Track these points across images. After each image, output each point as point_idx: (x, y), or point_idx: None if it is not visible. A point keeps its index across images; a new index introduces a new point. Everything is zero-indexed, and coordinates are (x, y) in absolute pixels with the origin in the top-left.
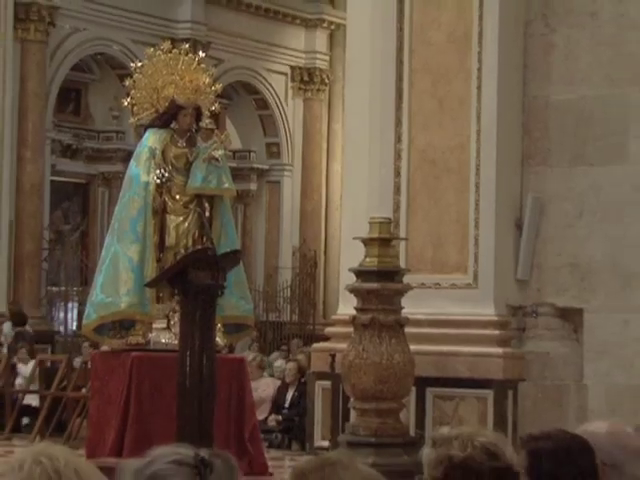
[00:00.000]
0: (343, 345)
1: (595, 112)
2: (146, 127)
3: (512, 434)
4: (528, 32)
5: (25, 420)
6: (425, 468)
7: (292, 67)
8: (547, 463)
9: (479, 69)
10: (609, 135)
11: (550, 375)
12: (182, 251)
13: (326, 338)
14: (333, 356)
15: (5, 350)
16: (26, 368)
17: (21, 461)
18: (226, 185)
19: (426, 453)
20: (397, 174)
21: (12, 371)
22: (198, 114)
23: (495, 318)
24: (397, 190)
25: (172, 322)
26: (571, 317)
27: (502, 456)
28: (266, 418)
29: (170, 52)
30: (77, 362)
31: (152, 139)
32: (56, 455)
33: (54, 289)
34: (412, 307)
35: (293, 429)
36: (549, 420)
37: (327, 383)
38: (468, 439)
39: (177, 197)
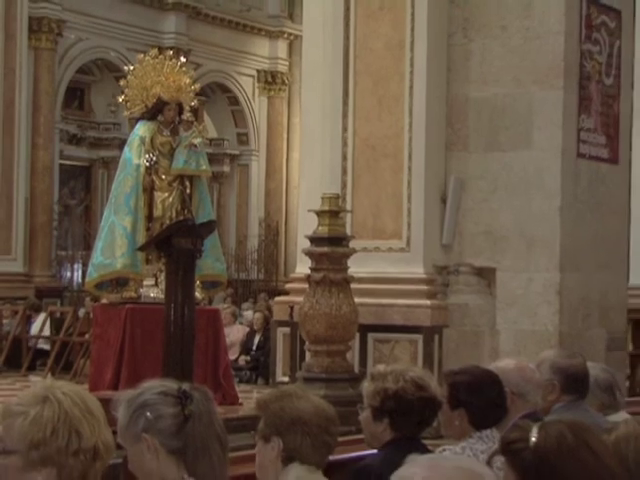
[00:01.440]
0: (300, 298)
1: (505, 107)
2: (137, 119)
3: (437, 371)
4: (450, 42)
5: (38, 361)
6: (365, 398)
7: (258, 71)
8: (464, 393)
9: (411, 72)
10: (517, 126)
11: (469, 322)
12: (167, 221)
13: (286, 293)
14: (292, 307)
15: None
16: (38, 318)
17: (43, 392)
18: (203, 167)
19: (366, 386)
20: (344, 158)
21: (27, 321)
22: (180, 109)
23: (424, 276)
24: (344, 171)
25: (159, 280)
26: (486, 275)
27: (428, 388)
28: (237, 358)
29: (157, 57)
30: (81, 312)
31: (142, 129)
32: (67, 388)
33: (62, 253)
34: (356, 267)
35: (259, 367)
36: (467, 359)
37: (287, 329)
38: (400, 374)
39: (163, 177)
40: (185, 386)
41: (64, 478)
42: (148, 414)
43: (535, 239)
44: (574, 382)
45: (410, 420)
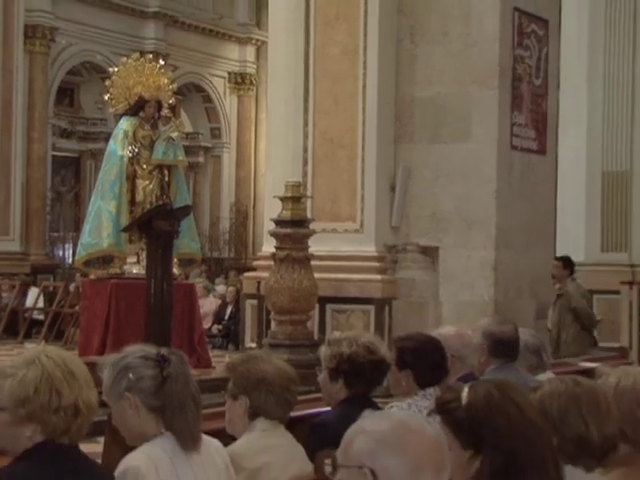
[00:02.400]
0: (266, 274)
1: (447, 104)
2: (121, 115)
3: (387, 337)
4: (399, 47)
5: (33, 330)
6: (323, 361)
7: (229, 72)
8: (410, 356)
9: (364, 74)
10: (457, 121)
11: (415, 295)
12: (148, 206)
13: (254, 269)
14: (259, 282)
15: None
16: (33, 292)
17: (31, 356)
18: (180, 158)
19: (323, 350)
20: (305, 150)
21: (24, 294)
22: (159, 106)
23: (375, 254)
24: (305, 161)
25: (141, 258)
26: (430, 253)
27: (378, 352)
28: (210, 327)
29: (139, 60)
30: (72, 287)
31: (126, 124)
32: (53, 353)
33: (55, 234)
34: (316, 246)
35: (230, 335)
36: (414, 327)
37: (255, 301)
38: (353, 340)
39: (144, 166)
40: (163, 351)
41: (48, 432)
42: (130, 375)
43: (473, 221)
44: (502, 346)
45: (362, 380)
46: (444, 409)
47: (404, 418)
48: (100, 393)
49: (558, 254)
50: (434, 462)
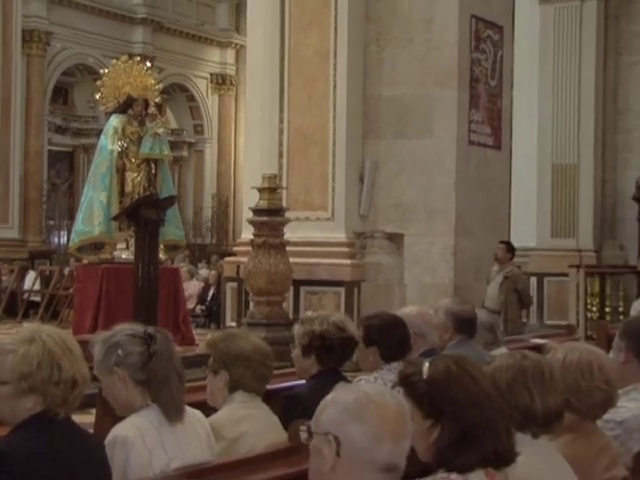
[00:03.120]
0: (245, 259)
1: (410, 104)
2: (111, 113)
3: (356, 316)
4: (366, 51)
5: (31, 311)
6: (296, 338)
7: (211, 74)
8: (376, 333)
9: (334, 75)
10: (419, 119)
11: (381, 278)
12: (136, 196)
13: (234, 254)
14: (238, 266)
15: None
16: (31, 275)
17: (30, 334)
18: (166, 152)
19: (297, 329)
20: (280, 144)
21: (22, 277)
22: (146, 104)
23: (345, 240)
24: (280, 155)
25: (129, 244)
26: (395, 239)
27: (347, 330)
28: (194, 307)
29: (127, 63)
30: (66, 271)
31: (115, 121)
32: (50, 331)
33: (51, 222)
34: (291, 233)
35: (212, 315)
36: (380, 307)
37: (235, 284)
38: (325, 319)
39: (132, 160)
40: (150, 329)
41: (48, 403)
42: (119, 351)
43: (435, 210)
44: (464, 324)
45: (333, 356)
46: (406, 382)
47: (368, 391)
48: (91, 368)
49: (512, 240)
50: (394, 432)
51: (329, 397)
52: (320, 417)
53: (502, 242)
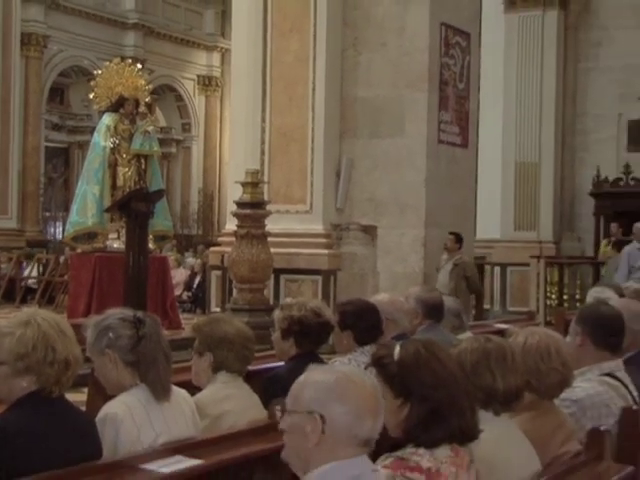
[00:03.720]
0: (229, 249)
1: (385, 105)
2: (104, 111)
3: (332, 303)
4: (344, 55)
5: (28, 296)
6: (276, 323)
7: (198, 75)
8: (350, 318)
9: (313, 78)
10: (392, 119)
11: (356, 267)
12: (127, 190)
13: (219, 244)
14: (223, 256)
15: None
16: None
17: (26, 317)
18: (155, 148)
19: (276, 314)
20: (262, 142)
21: (20, 265)
22: (137, 103)
23: (323, 232)
24: (262, 152)
25: (121, 234)
26: (369, 231)
27: (324, 315)
28: (180, 294)
29: (119, 65)
30: (62, 259)
31: (108, 119)
32: (46, 315)
33: (47, 214)
34: (272, 225)
35: (197, 300)
36: (355, 294)
37: (219, 272)
38: (303, 305)
39: (124, 156)
40: (139, 314)
41: (42, 383)
42: (110, 334)
43: (406, 204)
44: (432, 310)
45: (310, 339)
46: (379, 363)
47: (346, 371)
48: (84, 350)
49: (478, 233)
50: (372, 409)
51: (305, 377)
52: (300, 396)
53: (451, 233)
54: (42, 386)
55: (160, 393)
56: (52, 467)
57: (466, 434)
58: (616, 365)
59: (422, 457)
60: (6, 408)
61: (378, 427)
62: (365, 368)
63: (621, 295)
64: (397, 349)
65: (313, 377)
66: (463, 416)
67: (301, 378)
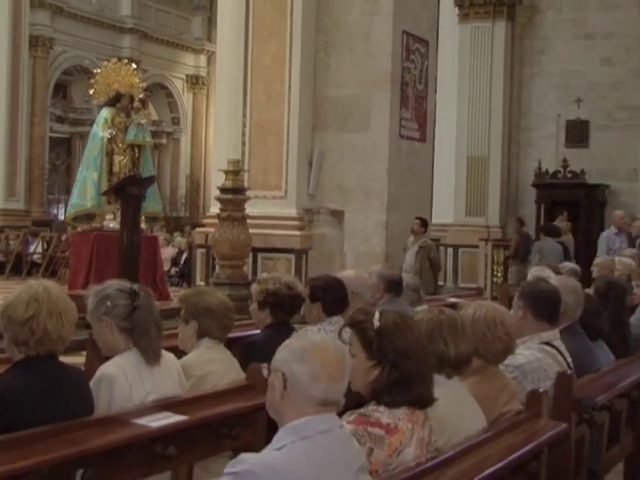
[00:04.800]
0: (212, 229)
1: (352, 103)
2: (102, 106)
3: (304, 278)
4: (316, 58)
5: (34, 270)
6: (253, 295)
7: (186, 75)
8: (320, 292)
9: (289, 77)
10: (359, 116)
11: (325, 247)
12: (122, 176)
13: (203, 225)
14: (207, 235)
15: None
16: (34, 240)
17: (35, 285)
18: (147, 139)
19: (254, 287)
20: (243, 134)
21: (27, 242)
22: (132, 99)
23: (296, 215)
24: (243, 143)
25: (116, 215)
26: (337, 215)
27: (296, 289)
28: (169, 269)
29: (117, 64)
30: (64, 237)
31: (106, 113)
32: (49, 285)
33: (51, 196)
34: (250, 208)
35: (184, 275)
36: (324, 271)
37: (204, 250)
38: (277, 279)
39: (120, 145)
40: (135, 286)
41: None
42: (108, 303)
43: (370, 191)
44: (392, 285)
45: (283, 310)
46: (358, 326)
47: (316, 339)
48: (83, 318)
49: (433, 218)
50: (331, 374)
51: (284, 342)
52: (275, 358)
53: (417, 218)
54: (36, 352)
55: (151, 358)
56: (48, 422)
57: (425, 401)
58: (553, 335)
59: (382, 414)
60: (5, 371)
61: (338, 390)
62: (341, 328)
63: (558, 273)
64: (377, 316)
65: (288, 342)
66: (426, 382)
67: (284, 344)
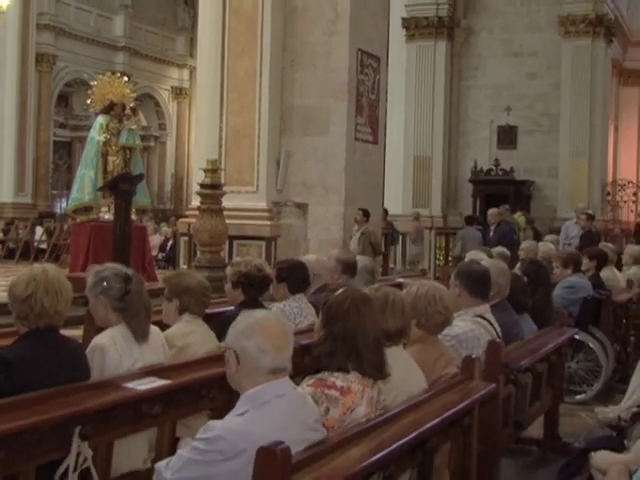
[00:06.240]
0: (194, 220)
1: (314, 111)
2: (98, 113)
3: (273, 262)
4: (283, 72)
5: (39, 255)
6: (228, 277)
7: (171, 87)
8: (285, 273)
9: (260, 90)
10: (320, 122)
11: (292, 235)
12: (115, 174)
13: (186, 216)
14: (189, 225)
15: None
16: (39, 230)
17: (36, 268)
18: (137, 142)
19: (228, 270)
20: (220, 138)
21: (33, 231)
22: (124, 107)
23: (266, 208)
24: (220, 145)
25: (110, 208)
26: (302, 207)
27: (265, 271)
28: (157, 255)
29: (111, 77)
30: (65, 227)
31: (101, 119)
32: (47, 267)
33: (54, 192)
34: (227, 202)
35: (170, 260)
36: (290, 255)
37: (186, 238)
38: (248, 262)
39: (113, 148)
40: (129, 272)
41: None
42: (104, 284)
43: (330, 187)
44: (348, 268)
45: (254, 289)
46: (324, 298)
47: (258, 316)
48: (82, 297)
49: (385, 209)
50: (275, 345)
51: (233, 322)
52: (227, 337)
53: (360, 209)
54: (39, 325)
55: (140, 336)
56: (50, 386)
57: (377, 372)
58: (485, 309)
59: (337, 378)
60: (12, 342)
61: (284, 358)
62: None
63: (490, 256)
64: (339, 291)
65: (235, 322)
66: (375, 351)
67: (247, 315)
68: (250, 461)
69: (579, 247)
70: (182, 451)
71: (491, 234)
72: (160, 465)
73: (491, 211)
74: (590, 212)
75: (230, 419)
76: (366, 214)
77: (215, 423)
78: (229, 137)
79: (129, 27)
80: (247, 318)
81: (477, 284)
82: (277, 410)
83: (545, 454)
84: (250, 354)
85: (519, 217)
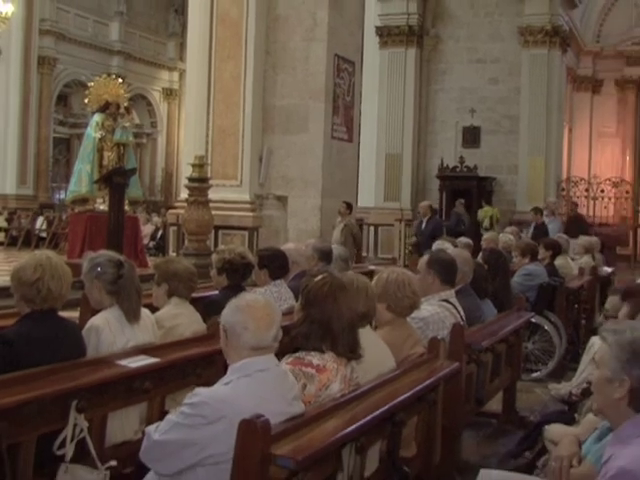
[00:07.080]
0: (182, 211)
1: (294, 111)
2: (95, 112)
3: (255, 250)
4: (266, 75)
5: (40, 243)
6: (213, 263)
7: (162, 88)
8: (266, 260)
9: (244, 91)
10: (300, 121)
11: (273, 225)
12: (110, 168)
13: (175, 208)
14: (178, 216)
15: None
16: (40, 219)
17: (39, 254)
18: (130, 139)
19: (214, 256)
20: (207, 136)
21: (34, 220)
22: (118, 107)
23: (249, 200)
24: (207, 142)
25: (105, 199)
26: (282, 200)
27: (247, 257)
28: (148, 243)
29: (107, 79)
30: (64, 217)
31: (97, 117)
32: (50, 254)
33: (54, 184)
34: (213, 194)
35: (160, 247)
36: (271, 244)
37: (175, 227)
38: (232, 250)
39: (108, 144)
40: (121, 258)
41: (38, 309)
42: (99, 269)
43: (308, 181)
44: (324, 255)
45: (237, 275)
46: (305, 283)
47: (248, 298)
48: (79, 281)
49: (359, 202)
50: (258, 324)
51: (229, 302)
52: (222, 313)
53: (344, 202)
54: (39, 306)
55: (132, 317)
56: (49, 363)
57: (351, 354)
58: (450, 294)
59: (313, 357)
60: (14, 322)
61: (267, 337)
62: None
63: (455, 246)
64: (319, 277)
65: (230, 302)
66: (349, 332)
67: (234, 300)
68: (229, 426)
69: (532, 237)
70: (170, 415)
71: (423, 226)
72: (150, 428)
73: (422, 204)
74: (540, 207)
75: (215, 387)
76: (349, 207)
77: (201, 390)
78: (215, 134)
79: (124, 33)
80: (239, 300)
81: (448, 272)
82: (259, 383)
83: (503, 427)
84: (235, 330)
85: (492, 210)
